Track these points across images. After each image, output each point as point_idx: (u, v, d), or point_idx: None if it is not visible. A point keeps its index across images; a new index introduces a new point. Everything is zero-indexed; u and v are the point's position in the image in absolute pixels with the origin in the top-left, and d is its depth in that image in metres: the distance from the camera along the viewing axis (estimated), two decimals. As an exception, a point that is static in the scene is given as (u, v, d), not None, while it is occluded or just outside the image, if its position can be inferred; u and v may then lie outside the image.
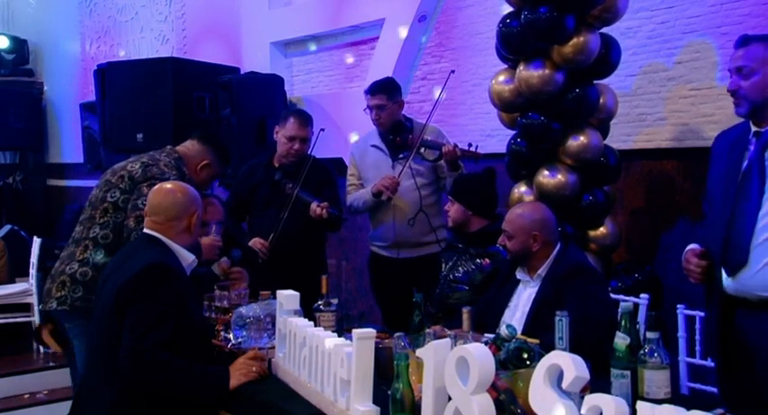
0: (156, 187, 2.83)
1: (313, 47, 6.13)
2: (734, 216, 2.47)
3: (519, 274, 3.06)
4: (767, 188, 2.42)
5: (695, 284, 2.61)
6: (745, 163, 2.50)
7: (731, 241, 2.46)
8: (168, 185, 2.82)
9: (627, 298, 3.27)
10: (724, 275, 2.50)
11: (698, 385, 3.32)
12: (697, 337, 3.31)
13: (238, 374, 2.51)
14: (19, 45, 9.31)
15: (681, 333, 3.36)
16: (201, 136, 3.48)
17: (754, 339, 2.45)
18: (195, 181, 3.31)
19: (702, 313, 3.28)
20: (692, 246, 2.63)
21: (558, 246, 3.02)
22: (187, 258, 2.72)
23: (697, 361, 3.32)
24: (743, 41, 2.53)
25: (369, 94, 4.07)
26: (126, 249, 2.82)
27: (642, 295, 3.33)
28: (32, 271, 6.01)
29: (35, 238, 6.18)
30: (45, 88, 9.52)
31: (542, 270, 2.98)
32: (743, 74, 2.49)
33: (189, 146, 3.44)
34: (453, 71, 4.14)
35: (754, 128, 2.52)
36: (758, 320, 2.43)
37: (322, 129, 4.19)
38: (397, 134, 4.01)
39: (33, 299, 5.91)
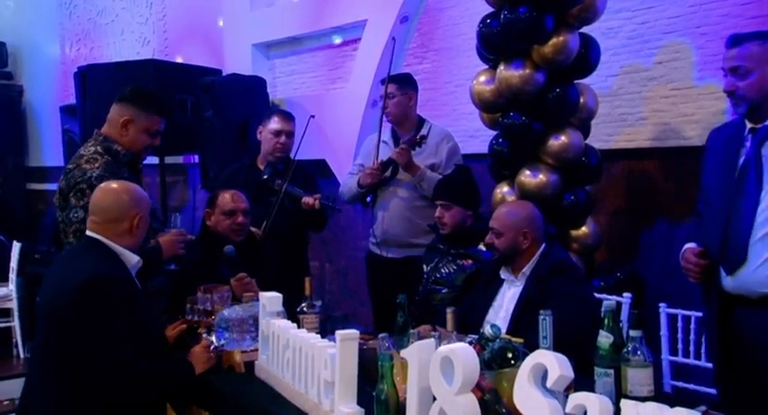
0: (102, 185, 2.68)
1: (296, 48, 6.13)
2: (731, 213, 2.45)
3: (503, 274, 3.06)
4: (764, 184, 2.41)
5: (694, 282, 2.59)
6: (741, 160, 2.49)
7: (729, 238, 2.44)
8: (114, 185, 2.67)
9: (609, 297, 3.29)
10: (722, 273, 2.48)
11: (681, 383, 3.35)
12: (679, 335, 3.33)
13: (200, 362, 2.63)
14: (-3, 48, 9.26)
15: (663, 332, 3.38)
16: (118, 98, 3.23)
17: (756, 337, 2.43)
18: (127, 146, 3.15)
19: (684, 312, 3.31)
20: (690, 245, 2.60)
21: (543, 245, 3.02)
22: (131, 259, 2.59)
23: (680, 359, 3.34)
24: (735, 41, 2.50)
25: (381, 84, 4.14)
26: (64, 255, 2.73)
27: (625, 295, 3.35)
28: (12, 276, 5.95)
29: (15, 242, 6.12)
30: (24, 91, 9.44)
31: (527, 269, 2.97)
32: (739, 74, 2.46)
33: (108, 116, 3.20)
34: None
35: (749, 125, 2.51)
36: (759, 317, 2.42)
37: (312, 116, 4.22)
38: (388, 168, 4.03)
39: (13, 304, 5.85)
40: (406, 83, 4.17)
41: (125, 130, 3.16)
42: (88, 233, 2.59)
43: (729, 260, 2.45)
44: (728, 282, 2.47)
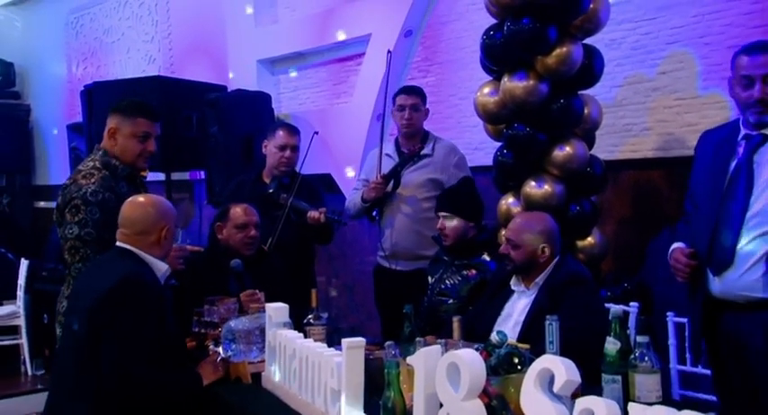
0: (130, 199, 2.79)
1: (300, 63, 6.17)
2: (720, 216, 2.46)
3: (513, 284, 3.04)
4: (755, 189, 2.42)
5: (681, 282, 2.61)
6: (732, 165, 2.49)
7: (717, 242, 2.46)
8: (140, 198, 2.78)
9: (617, 307, 3.28)
10: (710, 276, 2.49)
11: (690, 392, 3.32)
12: (687, 344, 3.31)
13: (208, 374, 2.67)
14: (5, 68, 9.34)
15: (671, 340, 3.36)
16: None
17: (745, 342, 2.45)
18: (121, 156, 3.13)
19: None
20: (679, 245, 2.62)
21: (558, 256, 3.01)
22: (161, 268, 2.72)
23: (688, 368, 3.32)
24: (761, 47, 2.43)
25: (404, 94, 4.14)
26: (97, 262, 2.81)
27: (632, 304, 3.34)
28: (20, 293, 5.97)
29: (22, 260, 6.14)
30: (32, 110, 9.51)
31: (540, 279, 2.95)
32: None
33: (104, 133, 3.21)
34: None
35: (744, 131, 2.51)
36: (747, 321, 2.43)
37: (316, 132, 4.24)
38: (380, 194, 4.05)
39: (21, 321, 5.86)
40: (425, 98, 4.21)
41: (113, 140, 3.16)
42: (119, 244, 2.70)
43: (716, 264, 2.46)
44: (716, 287, 2.48)
